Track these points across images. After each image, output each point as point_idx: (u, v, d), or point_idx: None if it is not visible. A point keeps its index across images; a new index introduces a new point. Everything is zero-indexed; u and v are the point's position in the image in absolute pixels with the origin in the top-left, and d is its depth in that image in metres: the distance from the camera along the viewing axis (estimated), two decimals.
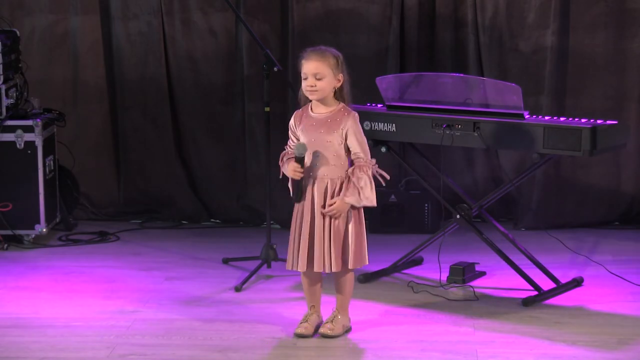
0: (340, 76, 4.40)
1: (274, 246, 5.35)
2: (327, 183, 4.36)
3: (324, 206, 4.35)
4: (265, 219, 5.44)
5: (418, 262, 5.48)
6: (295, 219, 4.43)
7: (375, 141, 5.18)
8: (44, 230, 5.94)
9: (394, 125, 5.11)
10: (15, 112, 5.97)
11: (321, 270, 4.36)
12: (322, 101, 4.38)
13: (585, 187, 6.29)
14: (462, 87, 5.06)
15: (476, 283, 5.19)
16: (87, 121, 6.51)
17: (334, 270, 4.35)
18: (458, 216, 5.16)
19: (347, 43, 6.33)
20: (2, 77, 5.90)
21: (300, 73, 4.37)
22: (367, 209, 6.24)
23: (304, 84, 4.35)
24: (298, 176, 4.35)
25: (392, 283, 5.24)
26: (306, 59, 4.38)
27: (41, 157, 5.92)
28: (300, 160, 4.33)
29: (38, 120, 5.93)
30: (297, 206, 4.42)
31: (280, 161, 4.46)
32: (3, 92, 5.90)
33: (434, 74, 5.43)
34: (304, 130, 4.37)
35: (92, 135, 6.52)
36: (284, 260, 5.36)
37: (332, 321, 4.47)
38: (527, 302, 4.86)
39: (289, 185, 4.45)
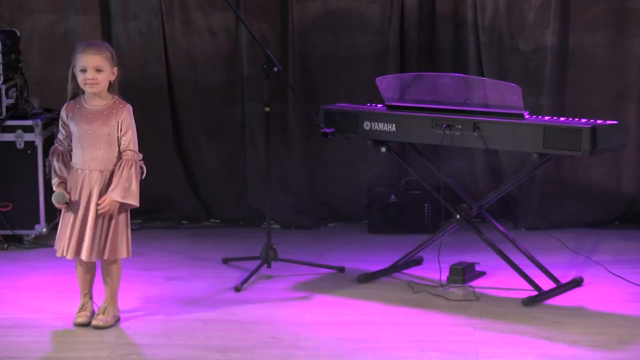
0: (115, 69, 4.54)
1: (274, 246, 5.36)
2: (100, 174, 4.49)
3: (98, 197, 4.48)
4: (265, 219, 5.44)
5: (418, 262, 5.48)
6: (68, 209, 4.53)
7: (375, 141, 5.19)
8: (44, 230, 5.94)
9: (394, 125, 5.11)
10: (15, 112, 5.97)
11: (89, 260, 4.50)
12: (98, 94, 4.50)
13: (585, 187, 6.29)
14: (462, 87, 5.06)
15: (476, 283, 5.19)
16: None
17: (100, 258, 4.53)
18: (458, 216, 5.16)
19: (347, 43, 6.34)
20: (2, 77, 5.90)
21: (75, 67, 4.48)
22: (370, 209, 6.29)
23: (82, 76, 4.47)
24: (58, 206, 4.53)
25: (392, 283, 5.24)
26: (85, 53, 4.50)
27: (41, 157, 5.92)
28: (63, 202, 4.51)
29: (38, 120, 5.93)
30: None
31: (50, 155, 4.60)
32: (3, 92, 5.90)
33: (434, 74, 5.42)
34: (78, 122, 4.50)
35: None
36: (285, 261, 5.39)
37: (103, 312, 4.58)
38: (527, 302, 4.86)
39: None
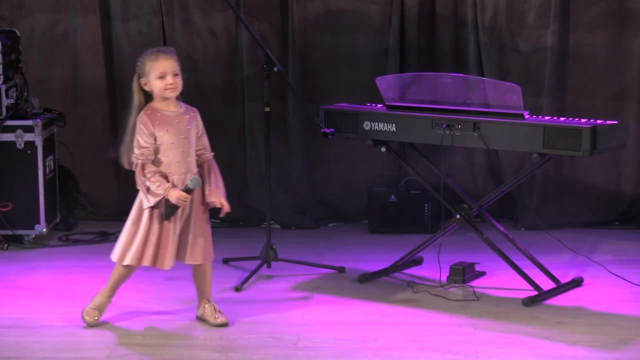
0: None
1: (274, 246, 5.36)
2: (188, 176, 4.46)
3: (197, 200, 4.49)
4: (265, 219, 5.44)
5: (418, 262, 5.48)
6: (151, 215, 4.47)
7: (375, 141, 5.19)
8: (44, 230, 5.94)
9: (394, 125, 5.12)
10: (15, 112, 5.97)
11: (192, 262, 4.52)
12: (171, 99, 4.47)
13: (585, 187, 6.29)
14: (462, 87, 5.06)
15: (476, 283, 5.19)
16: (87, 121, 6.51)
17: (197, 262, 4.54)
18: (458, 216, 5.16)
19: (347, 43, 6.34)
20: (2, 77, 5.90)
21: (145, 75, 4.41)
22: (370, 209, 6.29)
23: (161, 82, 4.40)
24: (181, 205, 4.42)
25: (392, 283, 5.24)
26: (159, 59, 4.43)
27: (41, 157, 5.92)
28: (189, 191, 4.42)
29: (38, 120, 5.93)
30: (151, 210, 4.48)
31: (140, 173, 4.44)
32: (3, 92, 5.90)
33: (434, 74, 5.42)
34: (168, 129, 4.43)
35: (92, 135, 6.51)
36: (285, 261, 5.39)
37: (218, 309, 4.59)
38: (527, 302, 4.86)
39: (159, 202, 4.44)
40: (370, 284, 5.22)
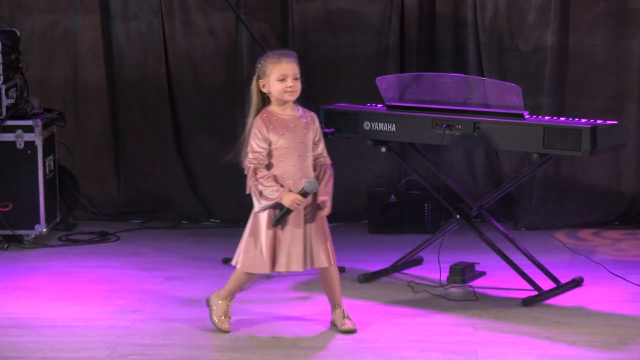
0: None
1: None
2: (303, 181, 4.39)
3: (312, 205, 4.39)
4: None
5: (418, 262, 5.48)
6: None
7: (375, 141, 5.19)
8: (44, 230, 5.94)
9: (394, 125, 5.11)
10: (15, 112, 5.97)
11: (303, 269, 4.43)
12: (288, 103, 4.41)
13: (585, 187, 6.29)
14: (462, 87, 5.06)
15: (476, 283, 5.19)
16: (87, 121, 6.52)
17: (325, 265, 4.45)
18: (458, 216, 5.16)
19: (347, 43, 6.34)
20: (2, 77, 5.90)
21: (265, 77, 4.35)
22: (370, 209, 6.28)
23: (280, 85, 4.34)
24: (295, 208, 4.35)
25: (392, 283, 5.23)
26: (281, 62, 4.37)
27: (41, 157, 5.92)
28: (305, 194, 4.35)
29: (38, 120, 5.93)
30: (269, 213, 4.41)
31: (252, 177, 4.41)
32: (3, 92, 5.90)
33: (434, 74, 5.42)
34: (284, 133, 4.37)
35: (92, 135, 6.52)
36: None
37: (348, 316, 4.52)
38: (527, 302, 4.86)
39: (271, 206, 4.38)
40: (370, 284, 5.21)
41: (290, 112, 4.42)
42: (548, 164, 5.17)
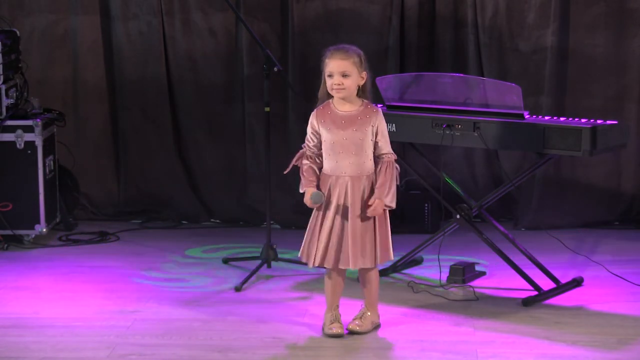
0: (364, 74, 4.42)
1: (274, 246, 5.36)
2: (355, 180, 4.37)
3: (362, 204, 4.36)
4: (265, 219, 5.44)
5: (418, 262, 5.48)
6: (319, 217, 4.40)
7: None
8: (44, 230, 5.94)
9: (393, 125, 5.11)
10: (15, 112, 5.97)
11: (354, 267, 4.40)
12: (347, 99, 4.40)
13: (585, 187, 6.30)
14: (462, 87, 5.06)
15: (476, 283, 5.19)
16: (87, 121, 6.52)
17: (364, 265, 4.41)
18: (458, 216, 5.16)
19: (347, 43, 6.31)
20: (2, 77, 5.90)
21: (324, 72, 4.40)
22: None
23: (329, 81, 4.38)
24: (311, 206, 4.39)
25: (392, 283, 5.24)
26: (331, 57, 4.41)
27: (41, 157, 5.92)
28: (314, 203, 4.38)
29: (38, 120, 5.93)
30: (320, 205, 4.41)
31: (297, 159, 4.46)
32: (3, 92, 5.90)
33: (434, 74, 5.42)
34: (331, 128, 4.38)
35: (92, 135, 6.52)
36: (285, 260, 5.39)
37: (360, 317, 4.51)
38: (527, 302, 4.87)
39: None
40: None
41: (348, 108, 4.41)
42: (548, 164, 5.17)
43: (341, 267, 4.42)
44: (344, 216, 4.38)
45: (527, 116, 4.88)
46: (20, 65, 6.13)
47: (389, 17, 6.28)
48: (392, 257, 4.49)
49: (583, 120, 4.83)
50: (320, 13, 6.33)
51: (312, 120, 4.44)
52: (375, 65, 6.23)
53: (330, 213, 4.39)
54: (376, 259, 4.42)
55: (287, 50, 6.33)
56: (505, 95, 4.91)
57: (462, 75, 5.29)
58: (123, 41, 6.45)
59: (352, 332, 4.47)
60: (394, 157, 4.44)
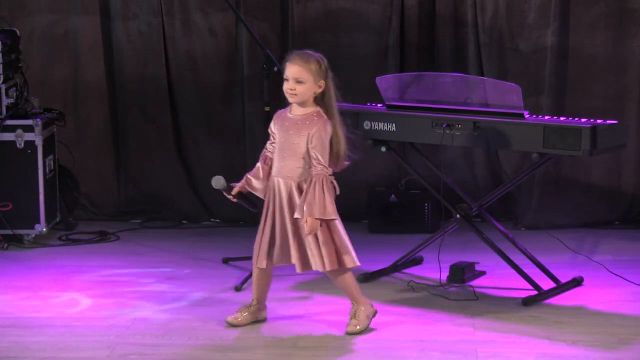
0: (322, 82, 4.42)
1: None
2: (292, 185, 4.42)
3: (289, 208, 4.42)
4: None
5: (418, 261, 5.49)
6: (266, 217, 4.52)
7: (375, 141, 5.20)
8: (44, 230, 5.95)
9: (394, 124, 5.12)
10: (15, 111, 5.97)
11: (277, 264, 4.50)
12: (301, 104, 4.43)
13: (585, 187, 6.30)
14: (462, 87, 5.06)
15: (476, 283, 5.19)
16: (87, 121, 6.52)
17: (302, 267, 4.46)
18: (458, 216, 5.17)
19: (347, 43, 6.34)
20: (2, 76, 5.91)
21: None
22: (370, 209, 6.28)
23: (284, 85, 4.42)
24: (233, 199, 4.49)
25: (392, 283, 5.24)
26: (290, 62, 4.42)
27: (41, 157, 5.93)
28: (225, 190, 4.48)
29: (38, 120, 5.93)
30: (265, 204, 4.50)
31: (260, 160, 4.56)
32: (3, 91, 5.90)
33: (434, 73, 5.43)
34: (278, 130, 4.47)
35: (92, 135, 6.52)
36: None
37: (354, 316, 4.52)
38: (527, 302, 4.87)
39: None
40: (371, 283, 5.22)
41: (297, 112, 4.45)
42: (548, 163, 5.17)
43: (274, 264, 4.49)
44: (282, 216, 4.44)
45: (527, 116, 4.88)
46: (20, 64, 6.13)
47: (389, 17, 6.28)
48: (352, 263, 4.47)
49: (583, 120, 4.83)
50: (320, 13, 6.34)
51: (273, 120, 4.52)
52: (375, 65, 6.28)
53: (270, 212, 4.47)
54: (324, 264, 4.40)
55: (287, 50, 6.31)
56: (505, 95, 4.91)
57: (462, 75, 5.29)
58: (123, 41, 6.45)
59: (349, 334, 4.47)
60: (327, 171, 4.40)
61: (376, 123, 5.16)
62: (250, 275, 5.20)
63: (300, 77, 4.38)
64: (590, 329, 4.53)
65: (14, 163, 5.90)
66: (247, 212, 6.45)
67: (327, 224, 4.42)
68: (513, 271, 5.05)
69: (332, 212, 4.38)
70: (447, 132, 4.96)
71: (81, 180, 6.45)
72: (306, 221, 4.34)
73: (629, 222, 6.32)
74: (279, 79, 5.49)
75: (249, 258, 5.44)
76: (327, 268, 4.42)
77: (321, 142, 4.39)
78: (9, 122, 5.91)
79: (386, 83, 5.21)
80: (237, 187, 4.55)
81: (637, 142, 6.18)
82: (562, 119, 4.92)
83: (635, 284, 5.13)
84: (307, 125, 4.40)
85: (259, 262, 4.51)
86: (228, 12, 6.28)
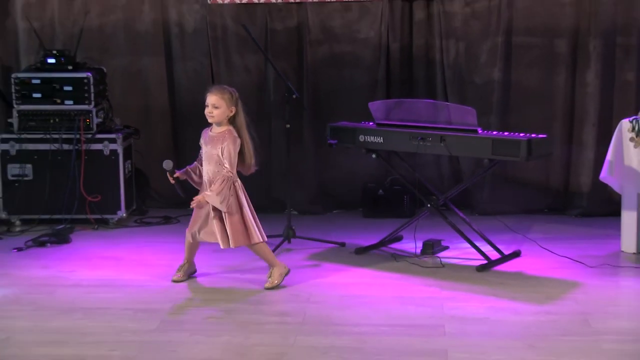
0: (233, 108, 4.47)
1: (293, 227, 5.36)
2: (209, 184, 4.48)
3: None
4: (286, 207, 5.46)
5: (399, 239, 5.49)
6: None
7: (367, 150, 5.20)
8: (124, 215, 5.98)
9: (381, 138, 5.13)
10: (103, 128, 6.01)
11: (202, 240, 4.53)
12: (218, 124, 4.47)
13: (523, 184, 6.29)
14: (432, 110, 5.07)
15: (442, 255, 5.19)
16: (155, 135, 6.53)
17: (212, 240, 4.47)
18: (429, 205, 5.17)
19: (348, 77, 6.35)
20: (93, 102, 5.94)
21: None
22: (364, 200, 6.28)
23: (206, 110, 4.46)
24: (171, 181, 4.51)
25: (380, 255, 5.23)
26: (210, 93, 4.47)
27: (122, 161, 5.96)
28: (170, 172, 4.50)
29: (119, 134, 5.96)
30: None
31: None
32: (94, 113, 5.94)
33: (412, 100, 5.43)
34: (203, 143, 4.52)
35: (159, 145, 6.53)
36: (301, 238, 5.36)
37: (270, 276, 4.52)
38: (480, 269, 4.87)
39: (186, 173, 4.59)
40: (364, 255, 5.22)
41: (215, 130, 4.50)
42: (496, 166, 5.19)
43: (198, 239, 4.52)
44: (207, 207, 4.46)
45: (480, 131, 4.88)
46: (106, 94, 6.16)
47: (378, 58, 6.29)
48: (257, 239, 4.48)
49: (521, 135, 4.84)
50: (327, 55, 6.34)
51: (201, 135, 4.55)
52: (368, 93, 6.28)
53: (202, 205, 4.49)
54: (229, 241, 4.41)
55: (303, 82, 6.34)
56: (464, 116, 4.92)
57: (432, 100, 5.30)
58: (181, 76, 6.46)
59: (269, 289, 4.45)
60: (230, 173, 4.43)
61: (368, 137, 5.16)
62: (276, 248, 5.22)
63: (216, 104, 4.42)
64: (526, 289, 4.53)
65: (102, 166, 5.92)
66: (273, 202, 6.49)
67: (235, 212, 4.44)
68: (469, 246, 5.05)
69: (222, 203, 4.38)
70: (421, 143, 4.96)
71: (151, 178, 6.47)
72: (201, 199, 4.41)
73: (555, 210, 6.32)
74: (297, 103, 5.53)
75: (275, 236, 5.40)
76: (232, 245, 4.42)
77: (229, 152, 4.43)
78: (99, 135, 5.93)
79: (376, 107, 5.22)
80: (177, 173, 4.54)
81: (561, 151, 6.19)
82: (506, 133, 4.92)
83: (559, 255, 5.13)
84: (221, 140, 4.45)
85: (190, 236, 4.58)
86: (258, 53, 6.29)
